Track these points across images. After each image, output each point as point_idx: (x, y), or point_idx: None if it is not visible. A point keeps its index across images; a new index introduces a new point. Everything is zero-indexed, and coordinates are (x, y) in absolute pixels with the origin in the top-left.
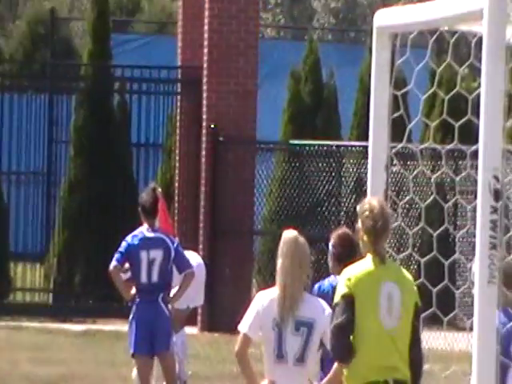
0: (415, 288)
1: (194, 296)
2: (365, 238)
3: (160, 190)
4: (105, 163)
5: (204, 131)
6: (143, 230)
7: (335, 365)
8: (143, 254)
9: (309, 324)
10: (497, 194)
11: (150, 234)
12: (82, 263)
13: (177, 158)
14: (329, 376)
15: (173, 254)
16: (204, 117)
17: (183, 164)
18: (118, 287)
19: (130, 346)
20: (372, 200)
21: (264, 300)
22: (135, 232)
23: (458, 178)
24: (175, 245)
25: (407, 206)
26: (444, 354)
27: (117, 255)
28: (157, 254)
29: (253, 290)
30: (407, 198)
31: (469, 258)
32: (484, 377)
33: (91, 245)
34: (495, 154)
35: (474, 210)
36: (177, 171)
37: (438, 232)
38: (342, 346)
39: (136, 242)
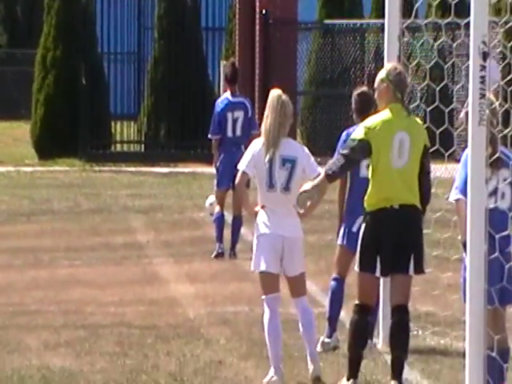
0: (425, 133)
1: None
2: (390, 92)
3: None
4: (181, 44)
5: (257, 16)
6: (228, 96)
7: (322, 176)
8: (229, 115)
9: (292, 160)
10: (484, 56)
11: (233, 99)
12: (166, 120)
13: (236, 37)
14: (315, 182)
15: (250, 113)
16: (257, 4)
17: (242, 42)
18: (213, 153)
19: (217, 182)
20: (396, 64)
21: (257, 145)
22: (221, 98)
23: (454, 45)
24: (250, 107)
25: (415, 67)
26: (445, 181)
27: (212, 127)
28: (239, 114)
29: (297, 138)
30: (415, 61)
31: (464, 106)
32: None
33: (172, 106)
34: (483, 24)
35: (467, 68)
36: (237, 48)
37: (439, 87)
38: (336, 169)
39: (223, 106)
